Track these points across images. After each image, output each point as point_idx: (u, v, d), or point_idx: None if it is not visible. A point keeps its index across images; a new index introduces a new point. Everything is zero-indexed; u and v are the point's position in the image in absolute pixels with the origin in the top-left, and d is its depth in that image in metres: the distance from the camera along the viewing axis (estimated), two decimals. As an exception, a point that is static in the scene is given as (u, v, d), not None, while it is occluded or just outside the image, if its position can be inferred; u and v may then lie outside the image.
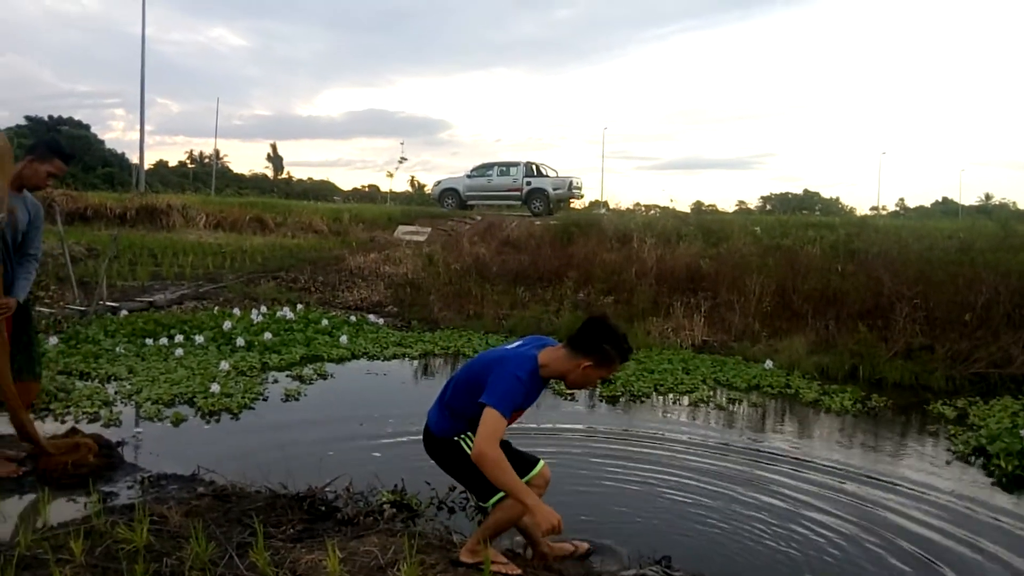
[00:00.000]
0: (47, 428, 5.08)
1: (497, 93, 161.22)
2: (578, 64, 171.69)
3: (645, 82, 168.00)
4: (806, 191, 71.61)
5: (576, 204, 25.47)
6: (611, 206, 31.60)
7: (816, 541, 4.11)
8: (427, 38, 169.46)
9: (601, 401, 6.99)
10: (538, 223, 17.39)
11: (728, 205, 68.68)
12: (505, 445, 3.30)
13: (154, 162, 69.43)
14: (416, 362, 8.45)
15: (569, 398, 6.93)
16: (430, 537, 3.66)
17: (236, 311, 10.18)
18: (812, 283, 10.22)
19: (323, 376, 7.41)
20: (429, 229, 19.91)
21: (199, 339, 8.27)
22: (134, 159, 43.17)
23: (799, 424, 6.69)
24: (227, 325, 8.90)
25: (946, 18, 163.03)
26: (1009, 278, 9.17)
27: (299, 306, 10.90)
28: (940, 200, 66.26)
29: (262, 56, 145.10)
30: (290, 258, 15.92)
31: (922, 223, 20.30)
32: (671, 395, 7.27)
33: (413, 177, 63.12)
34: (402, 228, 20.59)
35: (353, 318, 10.45)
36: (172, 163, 75.75)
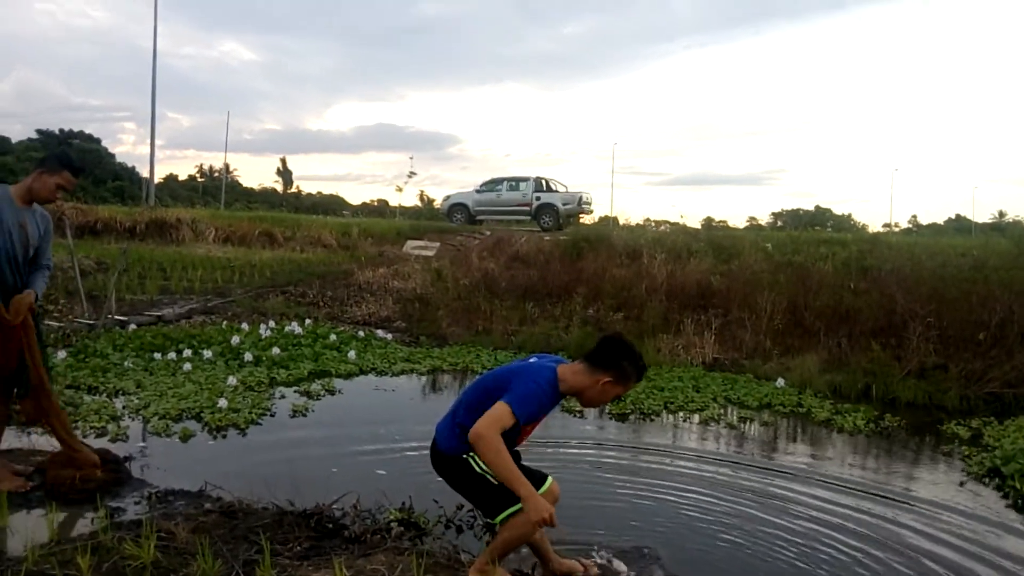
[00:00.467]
0: (54, 442, 5.05)
1: (507, 108, 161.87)
2: (588, 79, 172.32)
3: (655, 97, 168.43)
4: (818, 207, 71.39)
5: (586, 219, 25.45)
6: (621, 222, 31.55)
7: (830, 558, 4.06)
8: (437, 53, 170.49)
9: (611, 419, 6.93)
10: (547, 238, 17.36)
11: (739, 221, 68.67)
12: (514, 458, 3.26)
13: (164, 176, 69.91)
14: (424, 378, 8.41)
15: (578, 415, 6.88)
16: (438, 556, 3.61)
17: (244, 326, 10.17)
18: (824, 300, 10.16)
19: (331, 392, 7.37)
20: (438, 244, 19.92)
21: (207, 354, 8.26)
22: (144, 173, 43.44)
23: (812, 443, 6.61)
24: (235, 340, 8.89)
25: (960, 34, 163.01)
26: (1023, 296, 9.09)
27: (307, 321, 10.88)
28: (953, 217, 66.05)
29: (273, 71, 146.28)
30: (299, 272, 15.93)
31: (935, 240, 20.21)
32: (681, 413, 7.20)
33: (422, 192, 63.42)
34: (411, 243, 20.62)
35: (361, 333, 10.43)
36: (182, 177, 76.23)
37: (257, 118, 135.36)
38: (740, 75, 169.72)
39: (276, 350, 8.57)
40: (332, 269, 16.46)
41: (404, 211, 44.72)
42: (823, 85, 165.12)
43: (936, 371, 8.31)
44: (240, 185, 73.53)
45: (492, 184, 24.81)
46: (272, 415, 6.44)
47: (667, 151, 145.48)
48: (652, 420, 6.95)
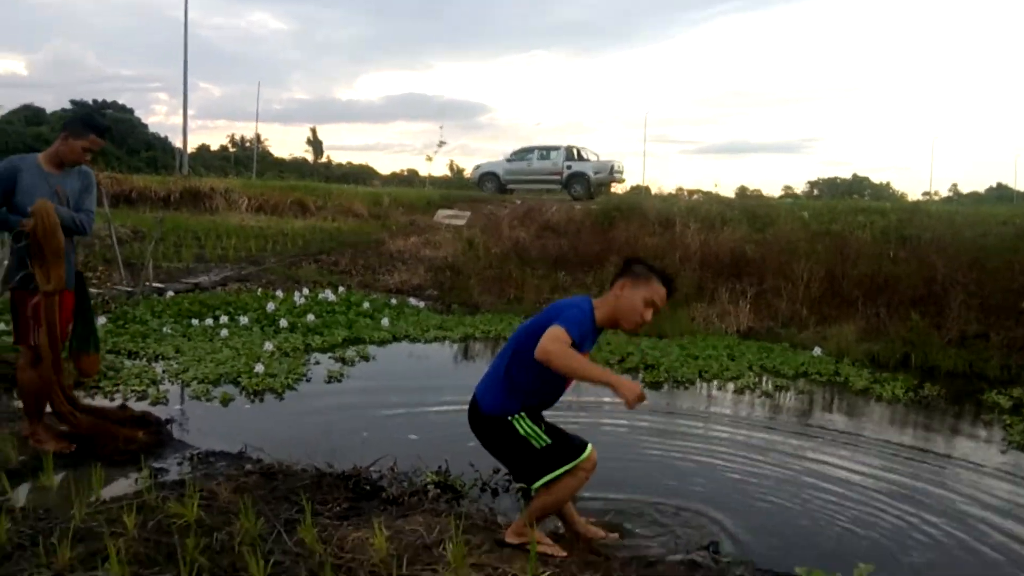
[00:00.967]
0: (97, 405, 5.15)
1: (537, 77, 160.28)
2: (619, 47, 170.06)
3: (688, 64, 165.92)
4: (855, 176, 70.01)
5: (617, 188, 25.26)
6: (653, 191, 31.26)
7: (889, 524, 4.05)
8: (467, 22, 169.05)
9: (644, 387, 6.89)
10: (578, 207, 17.25)
11: (774, 190, 67.53)
12: (551, 427, 3.26)
13: (196, 146, 70.31)
14: (457, 345, 8.44)
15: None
16: (475, 518, 3.64)
17: (279, 293, 10.28)
18: (862, 269, 10.00)
19: (365, 358, 7.43)
20: (469, 213, 19.91)
21: (243, 320, 8.36)
22: (177, 143, 43.79)
23: (850, 411, 6.54)
24: (271, 306, 8.99)
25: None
26: (1067, 265, 8.87)
27: (340, 289, 10.97)
28: (994, 186, 64.32)
29: (302, 40, 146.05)
30: (331, 241, 16.03)
31: (976, 209, 19.77)
32: (716, 381, 7.16)
33: (452, 161, 63.30)
34: (442, 212, 20.62)
35: (394, 301, 10.49)
36: (214, 147, 76.71)
37: (287, 88, 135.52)
38: (776, 41, 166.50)
39: (311, 317, 8.65)
40: (363, 238, 16.55)
41: (434, 180, 44.76)
42: (861, 51, 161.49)
43: (977, 340, 8.16)
44: (271, 155, 73.86)
45: (523, 153, 24.69)
46: (308, 380, 6.51)
47: (700, 119, 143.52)
48: (686, 388, 6.92)
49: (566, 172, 23.48)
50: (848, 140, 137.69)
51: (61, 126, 4.39)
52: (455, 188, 32.94)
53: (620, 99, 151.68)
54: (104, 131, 4.36)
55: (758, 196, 37.37)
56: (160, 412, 5.23)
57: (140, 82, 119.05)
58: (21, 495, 3.75)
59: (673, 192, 31.95)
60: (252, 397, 5.93)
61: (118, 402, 5.37)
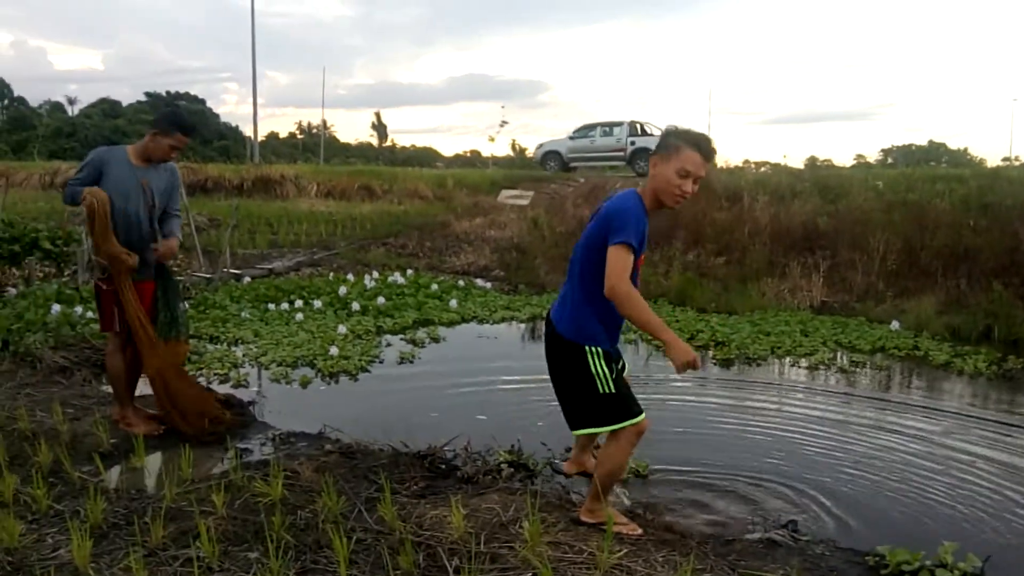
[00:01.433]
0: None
1: (598, 50, 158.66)
2: (683, 15, 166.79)
3: (755, 32, 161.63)
4: (931, 142, 67.31)
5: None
6: (719, 164, 30.66)
7: (953, 497, 3.97)
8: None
9: (714, 363, 6.84)
10: (643, 183, 17.07)
11: (845, 159, 65.55)
12: (621, 380, 3.21)
13: (266, 134, 72.12)
14: (524, 325, 8.48)
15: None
16: (549, 496, 3.68)
17: (350, 277, 10.49)
18: (941, 239, 9.66)
19: (435, 339, 7.54)
20: (532, 192, 19.90)
21: (317, 304, 8.57)
22: (247, 131, 44.95)
23: (930, 386, 6.36)
24: (342, 290, 9.18)
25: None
26: None
27: (409, 271, 11.12)
28: (1080, 148, 61.02)
29: (364, 24, 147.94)
30: (397, 224, 16.25)
31: (1062, 173, 18.79)
32: (789, 358, 7.03)
33: (514, 141, 63.11)
34: (505, 192, 20.66)
35: (461, 282, 10.59)
36: (282, 134, 78.52)
37: (351, 73, 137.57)
38: (845, 5, 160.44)
39: (381, 299, 8.81)
40: (429, 220, 16.72)
41: (497, 161, 44.81)
42: (936, 12, 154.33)
43: (1065, 311, 7.81)
44: (337, 140, 75.16)
45: (585, 130, 24.46)
46: (381, 362, 6.64)
47: (767, 88, 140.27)
48: (758, 365, 6.82)
49: (630, 148, 23.17)
50: (923, 105, 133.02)
51: (150, 123, 4.52)
52: (517, 168, 32.91)
53: (684, 71, 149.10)
54: (190, 130, 4.49)
55: (829, 166, 36.32)
56: (242, 395, 5.43)
57: (210, 72, 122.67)
58: (114, 476, 3.92)
59: (740, 165, 31.27)
60: (328, 379, 6.09)
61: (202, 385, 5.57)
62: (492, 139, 59.37)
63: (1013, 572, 3.25)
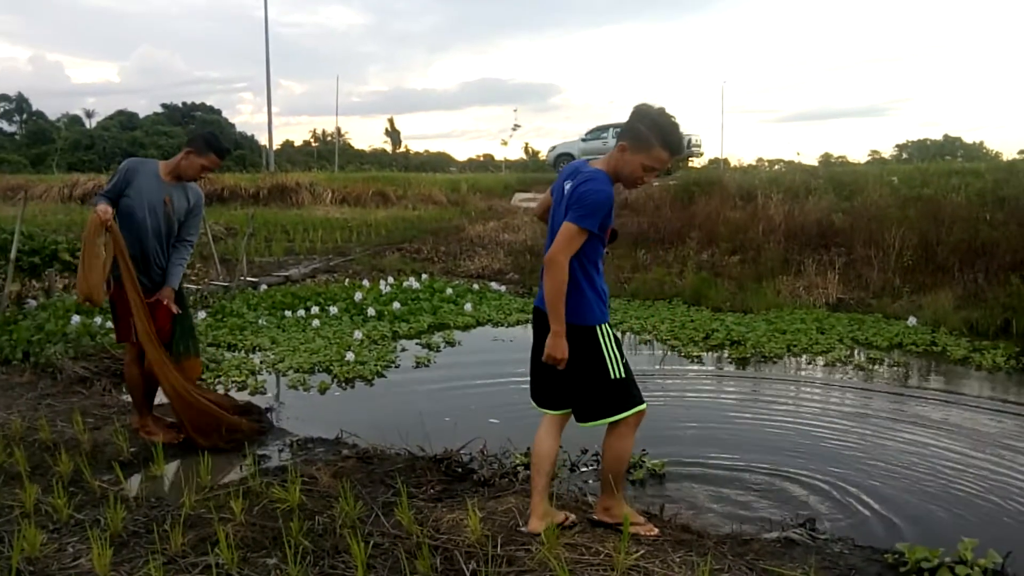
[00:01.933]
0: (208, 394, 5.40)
1: (609, 52, 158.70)
2: (693, 15, 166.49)
3: (767, 29, 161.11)
4: (946, 136, 66.54)
5: (695, 163, 24.79)
6: (732, 163, 30.53)
7: (972, 494, 3.95)
8: (536, 1, 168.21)
9: (731, 363, 6.82)
10: (656, 184, 16.99)
11: (860, 155, 65.16)
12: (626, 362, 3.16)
13: (281, 142, 72.63)
14: (540, 327, 8.47)
15: (695, 360, 6.82)
16: (566, 498, 3.69)
17: (365, 282, 10.54)
18: (958, 234, 9.59)
19: (451, 343, 7.57)
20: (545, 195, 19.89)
21: (333, 310, 8.62)
22: (262, 140, 45.28)
23: (948, 381, 6.32)
24: (358, 296, 9.23)
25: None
26: None
27: (424, 276, 11.16)
28: (1098, 139, 60.23)
29: (377, 32, 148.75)
30: (412, 229, 16.30)
31: (1081, 164, 18.56)
32: (805, 356, 7.00)
33: (527, 144, 63.31)
34: (519, 195, 20.68)
35: (476, 286, 10.62)
36: (297, 142, 79.02)
37: (364, 80, 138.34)
38: (857, 1, 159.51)
39: (397, 305, 8.85)
40: (443, 225, 16.76)
41: (510, 164, 44.88)
42: (947, 6, 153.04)
43: (1086, 304, 7.72)
44: (351, 147, 75.45)
45: (597, 132, 24.46)
46: (397, 367, 6.68)
47: (780, 86, 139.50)
48: (774, 363, 6.79)
49: (643, 149, 23.12)
50: (937, 100, 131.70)
51: (186, 142, 4.56)
52: (531, 171, 32.95)
53: (695, 70, 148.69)
54: (224, 153, 4.54)
55: (843, 162, 36.08)
56: (259, 401, 5.47)
57: (226, 83, 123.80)
58: (134, 485, 3.95)
59: (753, 163, 31.13)
60: (344, 384, 6.13)
61: (221, 392, 5.62)
62: (505, 143, 59.63)
63: (1035, 568, 3.22)
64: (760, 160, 36.87)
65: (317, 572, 2.89)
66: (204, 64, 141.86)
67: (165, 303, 4.41)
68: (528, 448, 4.36)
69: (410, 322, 8.29)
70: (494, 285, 10.95)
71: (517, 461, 4.22)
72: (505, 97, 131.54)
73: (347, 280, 11.02)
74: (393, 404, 5.68)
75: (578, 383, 3.14)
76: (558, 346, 2.98)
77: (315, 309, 8.69)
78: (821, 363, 6.79)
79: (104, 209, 4.17)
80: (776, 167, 25.86)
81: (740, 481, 4.13)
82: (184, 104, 71.66)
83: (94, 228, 4.17)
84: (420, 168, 48.84)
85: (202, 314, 8.31)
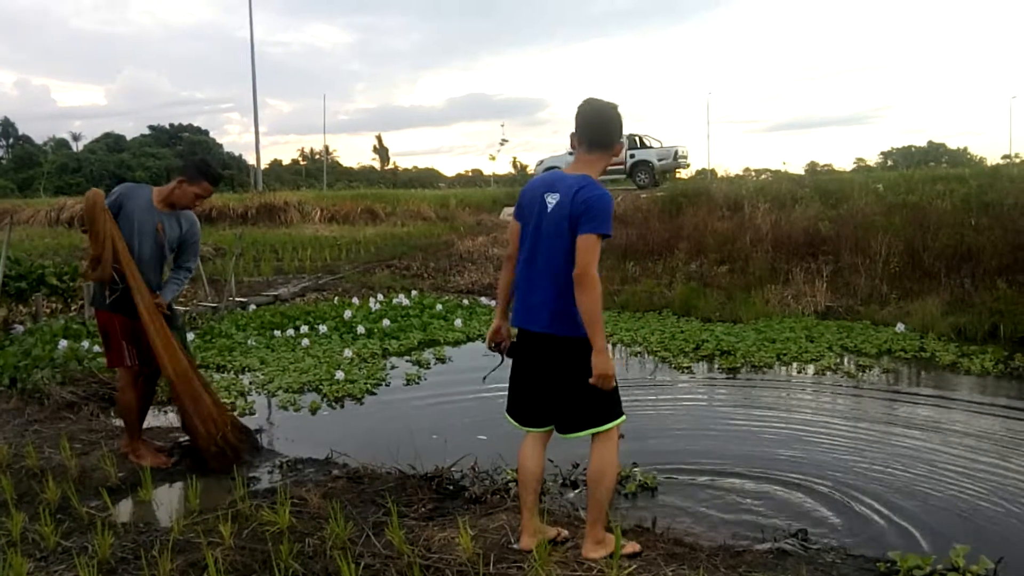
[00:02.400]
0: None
1: (594, 66, 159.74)
2: (677, 27, 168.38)
3: (750, 41, 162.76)
4: (930, 143, 67.19)
5: (683, 174, 24.91)
6: (719, 174, 30.67)
7: (964, 499, 3.96)
8: (521, 15, 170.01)
9: (720, 372, 6.83)
10: (644, 196, 17.12)
11: (845, 163, 65.64)
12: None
13: (269, 161, 72.64)
14: (531, 342, 8.46)
15: (686, 371, 6.83)
16: (557, 514, 3.68)
17: (355, 300, 10.52)
18: (944, 240, 9.66)
19: (441, 360, 7.55)
20: (535, 209, 19.93)
21: (323, 328, 8.59)
22: (250, 160, 45.22)
23: (937, 386, 6.34)
24: (347, 314, 9.21)
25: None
26: None
27: (413, 292, 11.15)
28: (1080, 143, 60.86)
29: (363, 50, 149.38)
30: (402, 246, 16.31)
31: (1064, 168, 18.78)
32: (795, 364, 7.02)
33: (515, 158, 63.32)
34: (507, 210, 20.70)
35: (466, 301, 10.61)
36: (285, 161, 79.05)
37: (351, 99, 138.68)
38: (841, 10, 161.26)
39: (386, 322, 8.83)
40: (433, 241, 16.77)
41: (498, 179, 45.02)
42: (932, 14, 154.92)
43: (1072, 307, 7.77)
44: (340, 165, 75.60)
45: (585, 144, 24.51)
46: (387, 385, 6.65)
47: (765, 96, 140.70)
48: (764, 372, 6.80)
49: (629, 161, 23.25)
50: (921, 107, 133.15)
51: (178, 170, 4.54)
52: (519, 185, 32.94)
53: (681, 83, 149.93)
54: (218, 180, 4.54)
55: (829, 171, 36.34)
56: (249, 422, 5.42)
57: (213, 104, 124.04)
58: (122, 511, 3.92)
59: (740, 173, 31.26)
60: (334, 404, 6.10)
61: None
62: (493, 158, 59.53)
63: (1027, 573, 3.23)
64: (747, 170, 36.98)
65: (307, 595, 2.86)
66: (191, 85, 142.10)
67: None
68: (520, 464, 4.36)
69: (400, 339, 8.27)
70: (484, 300, 10.94)
71: (508, 477, 4.20)
72: (492, 112, 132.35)
73: (336, 298, 11.00)
74: (383, 422, 5.66)
75: (573, 395, 3.08)
76: (607, 365, 2.93)
77: (304, 328, 8.66)
78: (811, 371, 6.80)
79: (95, 191, 4.24)
80: (763, 177, 25.97)
81: (733, 489, 4.14)
82: (171, 125, 71.65)
83: (91, 203, 4.19)
84: (409, 184, 48.86)
85: (191, 335, 8.26)
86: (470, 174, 70.31)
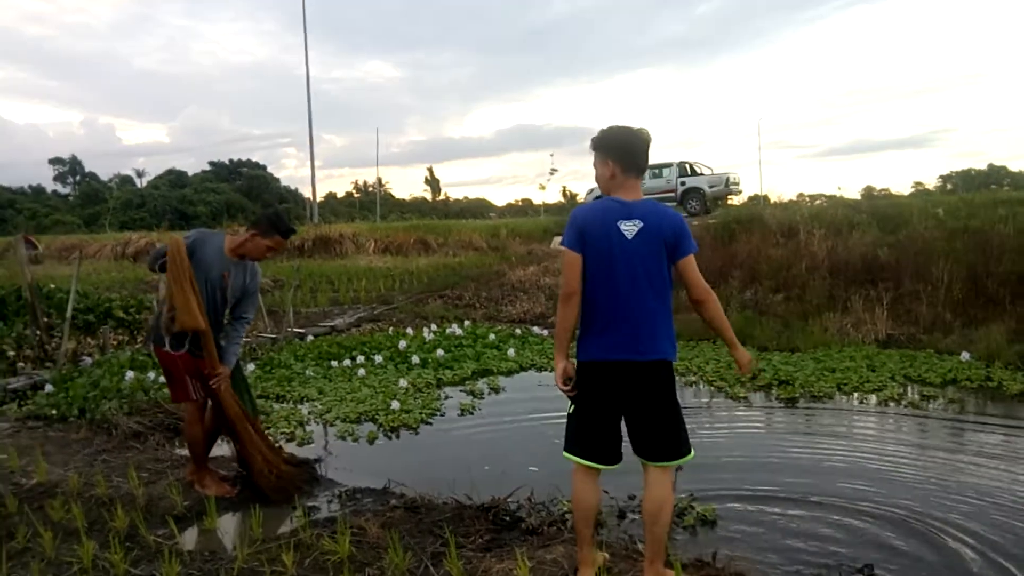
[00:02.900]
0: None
1: (644, 95, 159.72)
2: (728, 56, 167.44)
3: (802, 66, 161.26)
4: (991, 166, 65.17)
5: (734, 200, 24.66)
6: (772, 199, 30.28)
7: None
8: (569, 50, 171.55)
9: (779, 402, 6.71)
10: (696, 223, 16.96)
11: (903, 188, 64.18)
12: None
13: (324, 195, 74.06)
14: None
15: (743, 400, 6.74)
16: (615, 546, 3.66)
17: (409, 330, 10.64)
18: (1008, 265, 9.37)
19: (495, 390, 7.58)
20: (586, 238, 19.92)
21: (378, 359, 8.70)
22: (306, 193, 46.24)
23: (1005, 416, 6.13)
24: (402, 344, 9.32)
25: None
26: None
27: (466, 322, 11.23)
28: None
29: (414, 84, 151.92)
30: (454, 276, 16.44)
31: None
32: (856, 394, 6.87)
33: (564, 187, 63.33)
34: (558, 239, 20.73)
35: (518, 331, 10.64)
36: (340, 194, 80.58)
37: (403, 131, 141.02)
38: (893, 33, 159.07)
39: (440, 352, 8.91)
40: (484, 271, 16.88)
41: (548, 208, 45.10)
42: (986, 34, 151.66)
43: None
44: (392, 197, 76.75)
45: (635, 172, 24.48)
46: (442, 414, 6.70)
47: (818, 121, 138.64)
48: (825, 402, 6.67)
49: (680, 188, 23.17)
50: (981, 129, 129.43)
51: (251, 223, 4.61)
52: (569, 214, 33.01)
53: (732, 109, 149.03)
54: (290, 233, 4.61)
55: (887, 196, 35.59)
56: (308, 452, 5.54)
57: (270, 139, 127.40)
58: (188, 539, 4.02)
59: (794, 199, 30.80)
60: (390, 433, 6.16)
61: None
62: (543, 187, 59.75)
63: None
64: (801, 196, 36.42)
65: (368, 625, 2.89)
66: (249, 122, 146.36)
67: (213, 383, 4.40)
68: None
69: (454, 369, 8.33)
70: (536, 329, 10.95)
71: (564, 508, 4.19)
72: (541, 142, 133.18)
73: (391, 328, 11.14)
74: (439, 452, 5.69)
75: (674, 420, 3.10)
76: (745, 355, 3.29)
77: (360, 358, 8.78)
78: (873, 401, 6.65)
79: (176, 238, 4.28)
80: (817, 202, 25.54)
81: (796, 520, 4.07)
82: (231, 161, 73.82)
83: (175, 253, 4.21)
84: (460, 215, 49.37)
85: (251, 366, 8.46)
86: (520, 203, 70.71)
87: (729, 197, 24.00)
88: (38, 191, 70.71)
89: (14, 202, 62.11)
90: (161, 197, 59.10)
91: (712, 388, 7.25)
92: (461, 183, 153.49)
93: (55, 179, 76.48)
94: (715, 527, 4.06)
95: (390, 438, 6.08)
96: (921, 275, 9.85)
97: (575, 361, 3.20)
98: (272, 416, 6.56)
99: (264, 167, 74.33)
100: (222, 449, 5.57)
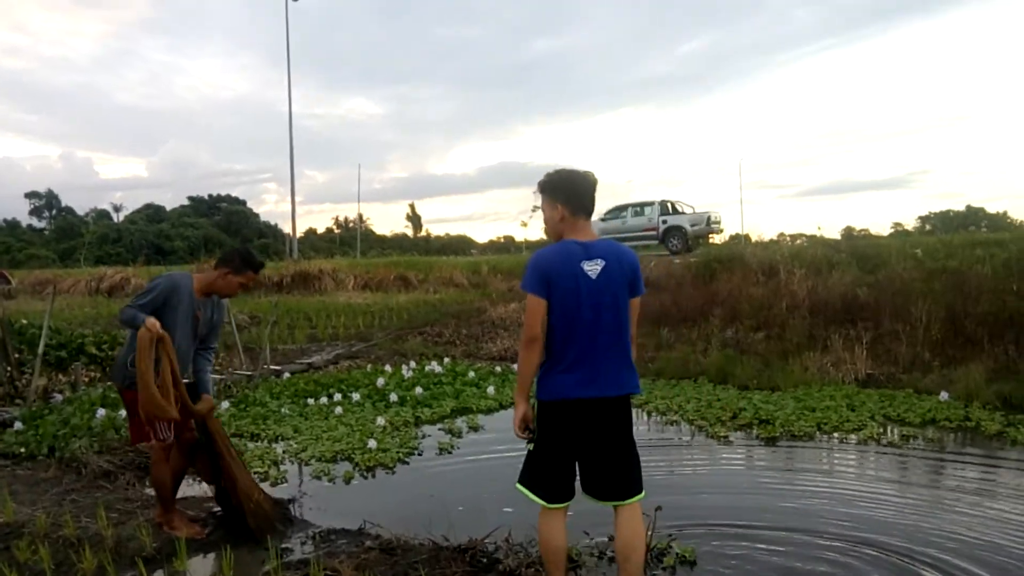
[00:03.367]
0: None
1: (626, 134, 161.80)
2: (708, 96, 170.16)
3: (781, 107, 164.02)
4: (969, 207, 66.46)
5: (716, 239, 24.90)
6: (753, 238, 30.58)
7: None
8: (553, 88, 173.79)
9: (759, 442, 6.68)
10: (677, 261, 17.09)
11: (882, 228, 65.11)
12: None
13: (304, 230, 74.00)
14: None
15: (722, 441, 6.69)
16: (595, 589, 3.58)
17: (388, 368, 10.54)
18: (985, 306, 9.47)
19: (474, 428, 7.48)
20: (567, 276, 19.97)
21: (356, 396, 8.59)
22: (286, 229, 46.22)
23: (983, 457, 6.13)
24: (380, 382, 9.22)
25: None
26: None
27: (446, 360, 11.15)
28: (1123, 206, 59.88)
29: (396, 121, 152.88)
30: (434, 313, 16.39)
31: (1107, 231, 18.43)
32: (836, 434, 6.85)
33: (546, 225, 63.84)
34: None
35: (498, 368, 10.57)
36: (320, 230, 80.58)
37: (384, 168, 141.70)
38: (873, 75, 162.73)
39: (419, 389, 8.82)
40: (465, 307, 16.85)
41: (530, 245, 45.32)
42: (966, 77, 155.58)
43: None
44: (373, 233, 76.80)
45: (616, 211, 24.72)
46: (419, 454, 6.59)
47: (798, 161, 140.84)
48: (805, 442, 6.64)
49: (662, 227, 23.36)
50: (959, 171, 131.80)
51: (220, 260, 4.56)
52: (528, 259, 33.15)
53: (712, 148, 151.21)
54: (260, 267, 4.60)
55: (866, 236, 36.08)
56: (281, 492, 5.42)
57: (250, 175, 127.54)
58: (158, 581, 3.91)
59: (774, 238, 31.15)
60: (366, 473, 6.05)
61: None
62: (525, 224, 60.36)
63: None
64: (781, 235, 36.89)
65: (339, 673, 2.79)
66: (230, 157, 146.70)
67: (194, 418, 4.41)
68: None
69: (433, 407, 8.24)
70: (516, 367, 10.88)
71: (544, 550, 4.10)
72: (524, 179, 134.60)
73: (369, 366, 11.04)
74: (416, 492, 5.58)
75: (633, 454, 3.26)
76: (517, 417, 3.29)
77: (337, 396, 8.67)
78: (853, 441, 6.62)
79: (153, 323, 4.09)
80: (798, 242, 25.84)
81: (778, 557, 4.02)
82: (210, 196, 73.70)
83: (147, 344, 4.05)
84: (441, 251, 49.43)
85: (225, 404, 8.32)
86: (502, 240, 70.98)
87: (710, 236, 24.24)
88: (13, 225, 70.14)
89: (-11, 236, 61.51)
90: (138, 231, 58.84)
91: (693, 427, 7.21)
92: (443, 219, 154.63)
93: (31, 213, 76.05)
94: (694, 567, 3.99)
95: (366, 477, 5.97)
96: (900, 315, 9.92)
97: (535, 402, 3.26)
98: (246, 455, 6.42)
99: (244, 202, 74.29)
100: (192, 490, 5.45)
